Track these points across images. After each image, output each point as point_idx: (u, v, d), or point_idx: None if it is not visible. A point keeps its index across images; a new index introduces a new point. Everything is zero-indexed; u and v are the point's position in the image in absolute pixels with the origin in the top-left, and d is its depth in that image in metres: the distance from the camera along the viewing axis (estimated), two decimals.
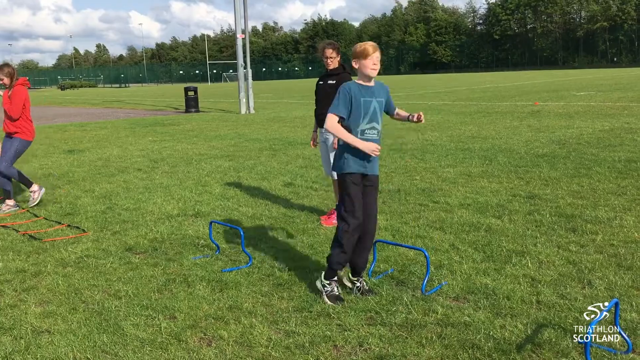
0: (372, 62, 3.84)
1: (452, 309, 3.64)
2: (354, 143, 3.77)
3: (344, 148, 3.87)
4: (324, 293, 3.89)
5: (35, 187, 7.01)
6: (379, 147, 3.82)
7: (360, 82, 3.91)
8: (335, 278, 3.94)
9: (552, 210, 5.89)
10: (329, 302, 3.81)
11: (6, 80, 6.74)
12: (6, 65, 6.87)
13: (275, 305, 3.81)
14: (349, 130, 3.83)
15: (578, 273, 4.16)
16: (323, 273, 3.99)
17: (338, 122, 3.81)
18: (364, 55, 3.83)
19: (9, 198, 6.97)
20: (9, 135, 6.89)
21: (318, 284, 3.99)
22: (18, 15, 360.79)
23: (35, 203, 6.96)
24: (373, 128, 3.87)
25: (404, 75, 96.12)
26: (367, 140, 3.82)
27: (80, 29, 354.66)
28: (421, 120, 4.03)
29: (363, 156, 3.83)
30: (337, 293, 3.88)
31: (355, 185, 3.85)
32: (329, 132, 3.96)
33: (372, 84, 3.90)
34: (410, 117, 4.08)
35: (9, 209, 6.87)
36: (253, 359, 3.15)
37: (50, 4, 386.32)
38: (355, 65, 3.92)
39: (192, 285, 4.22)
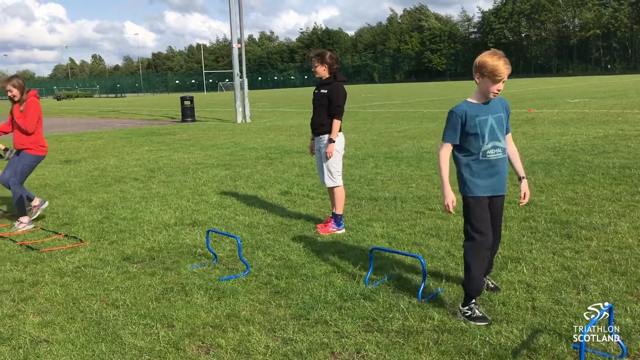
0: (497, 88, 3.46)
1: (448, 316, 3.67)
2: (443, 187, 3.61)
3: (464, 170, 3.64)
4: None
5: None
6: (454, 204, 3.59)
7: (474, 100, 3.60)
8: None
9: (547, 216, 5.93)
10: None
11: (15, 92, 6.35)
12: (15, 77, 6.50)
13: (273, 313, 3.83)
14: (470, 153, 3.59)
15: (573, 279, 4.19)
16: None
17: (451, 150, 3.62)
18: (492, 74, 3.43)
19: (28, 211, 6.56)
20: (20, 151, 6.53)
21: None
22: (12, 26, 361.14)
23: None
24: (495, 147, 3.58)
25: (399, 83, 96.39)
26: (492, 160, 3.58)
27: (75, 39, 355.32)
28: (522, 201, 3.74)
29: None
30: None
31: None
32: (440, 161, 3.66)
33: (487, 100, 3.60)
34: (521, 178, 3.78)
35: (27, 223, 6.49)
36: None
37: (45, 15, 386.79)
38: (477, 79, 3.52)
39: (190, 293, 4.24)
